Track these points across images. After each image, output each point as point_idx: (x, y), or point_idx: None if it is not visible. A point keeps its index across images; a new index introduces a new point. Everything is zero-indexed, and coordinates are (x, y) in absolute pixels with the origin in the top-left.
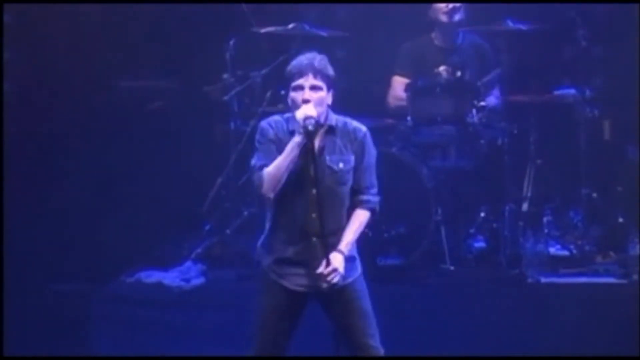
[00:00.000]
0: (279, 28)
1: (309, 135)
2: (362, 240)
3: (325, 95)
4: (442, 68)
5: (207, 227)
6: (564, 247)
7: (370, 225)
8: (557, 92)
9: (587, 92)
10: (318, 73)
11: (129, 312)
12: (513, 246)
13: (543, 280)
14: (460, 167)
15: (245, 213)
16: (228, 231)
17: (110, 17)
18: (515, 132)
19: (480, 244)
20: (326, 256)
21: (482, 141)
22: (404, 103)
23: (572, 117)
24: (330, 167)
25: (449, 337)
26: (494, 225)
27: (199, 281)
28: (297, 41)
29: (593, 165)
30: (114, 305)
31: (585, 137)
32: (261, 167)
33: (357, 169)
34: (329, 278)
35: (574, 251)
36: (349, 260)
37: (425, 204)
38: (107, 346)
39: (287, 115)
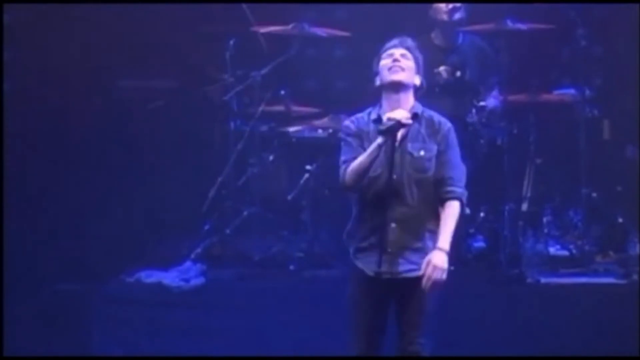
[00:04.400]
0: (279, 28)
1: (389, 134)
2: None
3: (413, 66)
4: (442, 68)
5: (206, 227)
6: (563, 247)
7: None
8: (557, 92)
9: (587, 92)
10: (409, 48)
11: (129, 312)
12: (513, 246)
13: (543, 280)
14: None
15: (245, 213)
16: (228, 231)
17: (110, 17)
18: (515, 131)
19: (480, 244)
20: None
21: (481, 141)
22: None
23: (572, 117)
24: (410, 154)
25: (448, 337)
26: (494, 225)
27: (198, 281)
28: (297, 41)
29: (593, 165)
30: (114, 305)
31: (585, 137)
32: (344, 163)
33: (439, 160)
34: (433, 276)
35: (574, 251)
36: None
37: None
38: (107, 346)
39: (368, 110)
